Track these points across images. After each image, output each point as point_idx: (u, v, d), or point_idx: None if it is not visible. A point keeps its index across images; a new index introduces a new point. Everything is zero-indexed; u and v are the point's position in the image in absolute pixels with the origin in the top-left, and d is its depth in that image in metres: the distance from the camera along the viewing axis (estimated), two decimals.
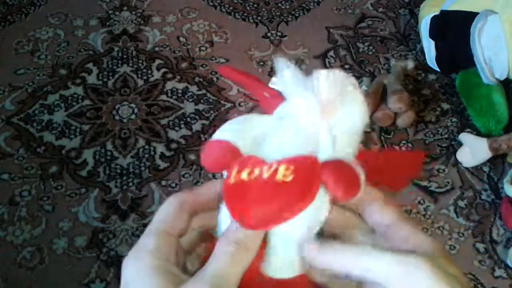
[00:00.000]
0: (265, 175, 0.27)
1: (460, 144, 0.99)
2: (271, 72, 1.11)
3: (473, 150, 0.95)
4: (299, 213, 0.27)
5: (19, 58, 1.12)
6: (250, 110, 1.04)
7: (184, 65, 1.12)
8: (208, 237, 0.31)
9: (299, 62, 1.13)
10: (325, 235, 0.30)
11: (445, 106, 1.07)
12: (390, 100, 0.99)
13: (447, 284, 0.25)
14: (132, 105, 1.04)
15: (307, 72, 0.31)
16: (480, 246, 0.89)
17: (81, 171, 0.94)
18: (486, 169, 0.98)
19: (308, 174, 0.27)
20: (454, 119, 1.05)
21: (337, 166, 0.27)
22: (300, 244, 0.28)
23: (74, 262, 0.84)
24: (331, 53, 1.16)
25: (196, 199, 0.31)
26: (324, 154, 0.28)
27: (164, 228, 0.29)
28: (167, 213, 0.30)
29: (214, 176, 0.94)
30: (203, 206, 0.31)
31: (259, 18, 1.23)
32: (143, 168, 0.95)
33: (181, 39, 1.17)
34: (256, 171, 0.27)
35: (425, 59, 1.12)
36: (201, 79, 1.09)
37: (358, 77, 1.11)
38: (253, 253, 0.28)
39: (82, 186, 0.92)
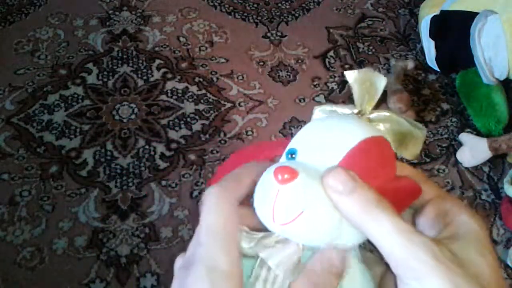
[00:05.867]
0: None
1: (460, 144, 0.99)
2: (271, 72, 1.11)
3: (473, 150, 0.95)
4: None
5: (19, 58, 1.12)
6: (250, 110, 1.04)
7: (184, 65, 1.12)
8: None
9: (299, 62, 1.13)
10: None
11: (445, 106, 1.07)
12: (390, 100, 0.99)
13: (448, 280, 0.23)
14: (132, 105, 1.04)
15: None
16: None
17: (81, 171, 0.94)
18: (486, 169, 0.98)
19: None
20: (454, 119, 1.05)
21: None
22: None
23: (74, 262, 0.84)
24: (331, 53, 1.16)
25: (243, 191, 0.28)
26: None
27: (230, 240, 0.27)
28: (226, 219, 0.27)
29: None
30: (245, 195, 0.28)
31: (259, 18, 1.23)
32: (143, 168, 0.95)
33: (181, 39, 1.17)
34: None
35: (425, 59, 1.12)
36: (201, 79, 1.09)
37: None
38: None
39: (82, 186, 0.92)
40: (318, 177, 0.26)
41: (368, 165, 0.27)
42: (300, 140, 0.29)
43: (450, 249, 0.25)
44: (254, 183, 0.28)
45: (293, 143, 0.29)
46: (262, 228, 0.27)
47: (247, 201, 0.29)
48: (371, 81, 0.30)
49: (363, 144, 0.27)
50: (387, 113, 0.30)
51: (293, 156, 0.28)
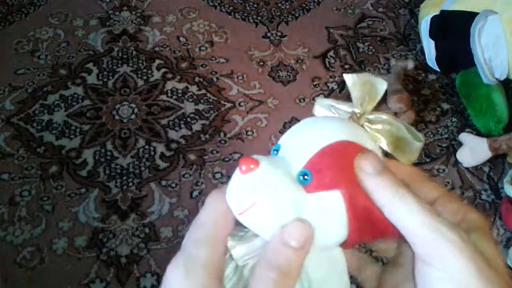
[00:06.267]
0: None
1: (460, 144, 0.99)
2: (271, 72, 1.11)
3: (473, 150, 0.95)
4: None
5: (19, 58, 1.12)
6: (250, 110, 1.04)
7: (184, 65, 1.12)
8: None
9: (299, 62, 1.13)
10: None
11: (445, 106, 1.07)
12: (390, 100, 0.99)
13: (473, 262, 0.24)
14: (132, 105, 1.04)
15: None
16: None
17: (81, 171, 0.94)
18: (486, 169, 0.98)
19: None
20: (454, 119, 1.05)
21: None
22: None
23: (74, 262, 0.84)
24: (331, 53, 1.16)
25: None
26: None
27: (215, 234, 0.27)
28: (216, 215, 0.28)
29: (214, 177, 0.94)
30: None
31: (259, 18, 1.23)
32: (143, 168, 0.95)
33: (181, 39, 1.17)
34: None
35: (425, 59, 1.12)
36: (201, 79, 1.09)
37: None
38: (295, 279, 0.26)
39: (82, 186, 0.92)
40: (283, 170, 0.26)
41: (338, 166, 0.27)
42: (285, 137, 0.29)
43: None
44: None
45: (280, 140, 0.29)
46: None
47: None
48: (372, 84, 0.30)
49: (335, 145, 0.27)
50: (385, 116, 0.30)
51: (277, 151, 0.28)
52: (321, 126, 0.28)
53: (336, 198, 0.26)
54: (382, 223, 0.26)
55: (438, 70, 1.10)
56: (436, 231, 0.25)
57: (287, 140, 0.29)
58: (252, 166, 0.26)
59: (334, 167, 0.27)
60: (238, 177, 0.26)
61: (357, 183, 0.27)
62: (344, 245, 0.28)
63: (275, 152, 0.29)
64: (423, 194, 0.29)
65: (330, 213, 0.26)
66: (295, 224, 0.26)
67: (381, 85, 0.30)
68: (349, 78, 0.30)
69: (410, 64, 1.08)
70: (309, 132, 0.28)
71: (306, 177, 0.26)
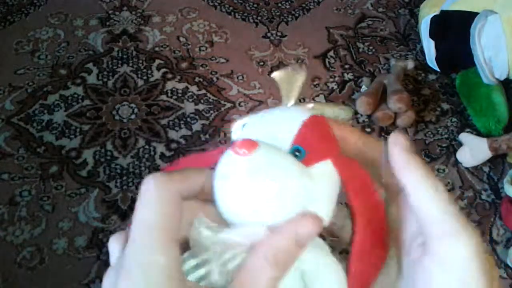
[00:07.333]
0: None
1: (460, 144, 0.99)
2: (271, 72, 1.11)
3: (473, 150, 0.95)
4: None
5: (19, 58, 1.12)
6: (250, 110, 1.04)
7: (184, 65, 1.12)
8: None
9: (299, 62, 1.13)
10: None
11: (445, 106, 1.07)
12: (390, 100, 0.99)
13: (477, 259, 0.24)
14: (132, 105, 1.04)
15: (307, 72, 0.31)
16: None
17: (81, 171, 0.94)
18: (486, 169, 0.98)
19: None
20: (454, 119, 1.05)
21: None
22: None
23: (74, 262, 0.84)
24: (331, 53, 1.16)
25: (189, 187, 0.25)
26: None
27: (169, 233, 0.24)
28: (165, 211, 0.24)
29: None
30: (190, 194, 0.26)
31: (259, 18, 1.23)
32: (143, 168, 0.95)
33: (181, 39, 1.17)
34: None
35: (425, 59, 1.12)
36: (201, 79, 1.09)
37: (358, 77, 1.11)
38: (289, 269, 0.24)
39: (82, 186, 0.92)
40: (277, 148, 0.26)
41: (323, 137, 0.28)
42: (252, 119, 0.30)
43: None
44: (202, 184, 0.26)
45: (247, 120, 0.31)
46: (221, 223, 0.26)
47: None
48: (292, 75, 0.32)
49: (312, 119, 0.28)
50: (311, 105, 0.31)
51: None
52: (288, 109, 0.30)
53: (330, 167, 0.27)
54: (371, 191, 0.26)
55: (438, 70, 1.10)
56: (441, 206, 0.25)
57: (255, 122, 0.30)
58: (247, 149, 0.24)
59: (320, 138, 0.27)
60: (239, 159, 0.24)
61: (339, 152, 0.27)
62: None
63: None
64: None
65: (328, 183, 0.26)
66: (308, 220, 0.25)
67: (301, 75, 0.31)
68: (276, 75, 0.31)
69: (410, 64, 1.08)
70: (281, 114, 0.30)
71: (298, 152, 0.27)
